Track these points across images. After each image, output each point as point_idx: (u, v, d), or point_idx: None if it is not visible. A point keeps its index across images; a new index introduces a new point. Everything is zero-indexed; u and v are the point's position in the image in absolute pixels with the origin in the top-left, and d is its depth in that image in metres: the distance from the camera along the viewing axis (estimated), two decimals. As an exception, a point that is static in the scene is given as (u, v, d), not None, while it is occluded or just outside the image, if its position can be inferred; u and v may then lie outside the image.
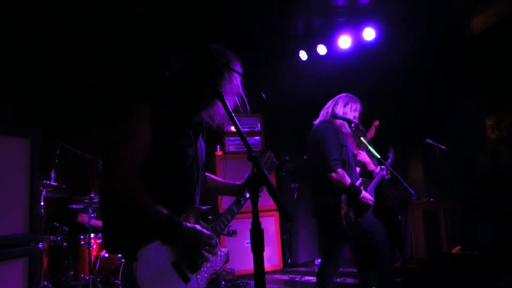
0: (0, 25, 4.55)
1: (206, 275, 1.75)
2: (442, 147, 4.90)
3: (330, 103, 3.57)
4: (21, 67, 4.89)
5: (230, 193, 2.09)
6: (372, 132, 4.17)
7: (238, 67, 1.88)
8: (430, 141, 4.94)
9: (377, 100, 5.94)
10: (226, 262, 1.87)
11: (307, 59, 6.01)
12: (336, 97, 3.60)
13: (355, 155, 3.64)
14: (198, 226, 1.71)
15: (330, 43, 5.72)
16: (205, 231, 1.72)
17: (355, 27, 5.45)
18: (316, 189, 3.45)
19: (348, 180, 3.24)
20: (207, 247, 1.70)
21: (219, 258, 1.82)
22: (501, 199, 4.70)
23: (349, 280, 5.05)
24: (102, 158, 1.74)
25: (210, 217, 1.85)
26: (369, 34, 5.33)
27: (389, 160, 3.81)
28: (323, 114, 3.54)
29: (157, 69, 1.87)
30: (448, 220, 5.00)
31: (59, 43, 5.12)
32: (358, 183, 3.38)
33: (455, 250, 5.01)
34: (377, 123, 4.06)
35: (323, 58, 5.85)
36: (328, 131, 3.35)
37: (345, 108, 3.47)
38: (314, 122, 3.55)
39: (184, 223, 1.68)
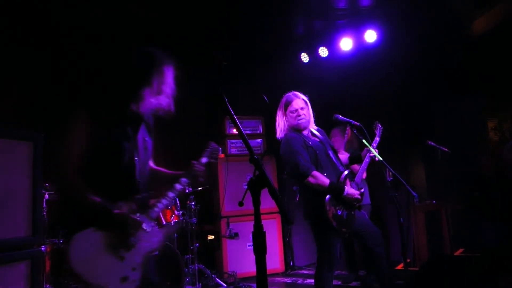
0: (1, 27, 4.56)
1: (142, 252, 2.00)
2: (444, 149, 4.89)
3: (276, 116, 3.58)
4: (24, 69, 4.89)
5: (171, 182, 2.28)
6: (348, 134, 4.14)
7: (171, 70, 2.14)
8: (432, 143, 4.93)
9: (379, 101, 5.94)
10: (163, 240, 2.14)
11: (309, 61, 6.01)
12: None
13: (334, 149, 3.59)
14: (126, 212, 1.94)
15: (331, 45, 5.73)
16: (134, 216, 1.96)
17: (357, 29, 5.45)
18: (301, 195, 3.46)
19: (326, 181, 3.19)
20: (136, 230, 1.96)
21: (154, 238, 2.07)
22: (503, 200, 4.69)
23: (353, 283, 5.04)
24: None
25: (146, 204, 2.12)
26: (370, 36, 5.33)
27: (377, 138, 3.72)
28: (277, 127, 3.55)
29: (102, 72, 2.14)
30: (451, 222, 4.99)
31: (61, 45, 5.13)
32: (343, 176, 3.31)
33: (458, 252, 4.99)
34: (353, 129, 4.00)
35: (325, 60, 5.86)
36: (287, 144, 3.34)
37: (283, 116, 3.48)
38: (278, 138, 3.56)
39: (115, 210, 1.91)
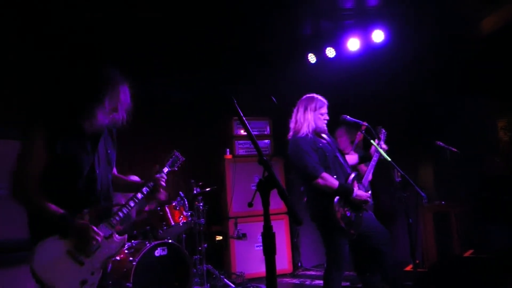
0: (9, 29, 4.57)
1: (101, 258, 2.18)
2: (453, 149, 4.86)
3: (294, 112, 3.54)
4: (24, 70, 4.87)
5: (132, 190, 2.43)
6: (360, 137, 4.08)
7: (125, 88, 2.27)
8: (440, 143, 4.90)
9: (387, 101, 5.92)
10: (122, 246, 2.29)
11: (316, 62, 6.00)
12: (298, 102, 3.55)
13: (341, 151, 3.59)
14: (86, 223, 2.10)
15: (338, 45, 5.71)
16: (93, 226, 2.11)
17: (364, 29, 5.43)
18: (308, 196, 3.46)
19: (335, 182, 3.19)
20: (94, 239, 2.10)
21: (113, 245, 2.24)
22: (513, 201, 4.64)
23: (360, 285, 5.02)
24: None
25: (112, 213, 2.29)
26: (378, 36, 5.30)
27: (382, 143, 3.71)
28: (291, 127, 3.52)
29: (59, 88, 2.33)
30: (460, 223, 4.95)
31: (65, 45, 5.15)
32: (350, 178, 3.32)
33: (467, 253, 4.95)
34: (362, 130, 3.96)
35: (332, 60, 5.84)
36: (296, 144, 3.33)
37: (306, 113, 3.44)
38: (288, 137, 3.52)
39: (76, 221, 2.08)
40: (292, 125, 3.52)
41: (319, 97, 3.51)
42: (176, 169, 2.63)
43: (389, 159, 3.48)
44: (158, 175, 2.45)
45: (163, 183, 2.45)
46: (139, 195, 2.37)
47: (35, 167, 2.09)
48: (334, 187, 3.17)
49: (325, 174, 3.20)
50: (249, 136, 1.56)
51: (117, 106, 2.23)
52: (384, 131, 3.77)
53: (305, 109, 3.45)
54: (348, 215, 3.21)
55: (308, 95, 3.55)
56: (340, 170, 3.36)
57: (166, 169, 2.56)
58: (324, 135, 3.52)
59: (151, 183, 2.41)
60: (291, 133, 3.51)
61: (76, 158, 2.18)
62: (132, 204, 2.34)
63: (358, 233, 3.28)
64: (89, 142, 2.27)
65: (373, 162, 3.53)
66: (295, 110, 3.54)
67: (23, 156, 2.12)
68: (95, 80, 2.20)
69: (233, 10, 4.98)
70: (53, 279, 2.01)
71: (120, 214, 2.29)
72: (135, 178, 2.76)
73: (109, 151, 2.39)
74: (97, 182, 2.26)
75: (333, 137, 4.10)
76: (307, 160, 3.23)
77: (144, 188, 2.39)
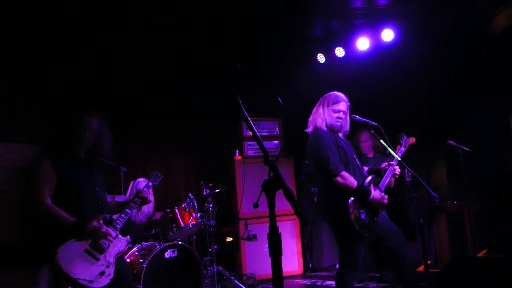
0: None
1: (113, 253, 2.72)
2: (465, 148, 4.79)
3: (314, 108, 3.51)
4: (26, 73, 4.91)
5: (121, 208, 2.92)
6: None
7: (98, 121, 2.87)
8: (452, 142, 4.83)
9: (398, 101, 5.86)
10: (128, 244, 2.83)
11: (325, 62, 5.97)
12: (320, 99, 3.53)
13: (360, 153, 3.55)
14: (97, 224, 2.65)
15: (348, 45, 5.67)
16: (103, 227, 2.66)
17: (374, 29, 5.38)
18: (322, 195, 3.41)
19: (354, 182, 3.15)
20: (105, 236, 2.66)
21: (120, 243, 2.78)
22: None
23: (372, 285, 4.98)
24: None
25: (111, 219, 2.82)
26: (387, 35, 5.26)
27: (402, 148, 3.66)
28: (311, 122, 3.48)
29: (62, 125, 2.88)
30: (473, 223, 4.88)
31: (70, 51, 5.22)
32: (367, 181, 3.27)
33: (481, 253, 4.88)
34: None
35: (342, 60, 5.81)
36: (319, 138, 3.28)
37: (319, 108, 3.42)
38: (307, 131, 3.49)
39: (88, 224, 2.62)
40: (310, 119, 3.51)
41: (338, 93, 3.47)
42: (157, 184, 3.23)
43: (399, 159, 3.44)
44: (144, 190, 3.01)
45: (149, 196, 3.01)
46: (133, 205, 2.94)
47: (46, 182, 2.60)
48: (353, 187, 3.13)
49: (345, 173, 3.15)
50: (254, 136, 1.55)
51: (92, 136, 2.81)
52: (405, 137, 3.72)
53: (319, 104, 3.46)
54: (363, 217, 3.16)
55: (330, 93, 3.53)
56: (358, 171, 3.33)
57: (150, 184, 3.15)
58: (340, 135, 3.48)
59: (138, 199, 2.96)
60: (310, 128, 3.47)
61: (77, 180, 2.72)
62: (128, 211, 2.88)
63: (372, 236, 3.24)
64: (85, 167, 2.85)
65: (389, 171, 3.47)
66: (315, 106, 3.53)
67: (33, 183, 2.61)
68: (70, 119, 2.81)
69: (242, 10, 4.98)
70: (77, 272, 2.50)
71: (121, 220, 2.83)
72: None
73: (100, 176, 2.97)
74: (98, 199, 2.82)
75: (354, 140, 4.06)
76: (329, 156, 3.17)
77: (136, 199, 2.95)
